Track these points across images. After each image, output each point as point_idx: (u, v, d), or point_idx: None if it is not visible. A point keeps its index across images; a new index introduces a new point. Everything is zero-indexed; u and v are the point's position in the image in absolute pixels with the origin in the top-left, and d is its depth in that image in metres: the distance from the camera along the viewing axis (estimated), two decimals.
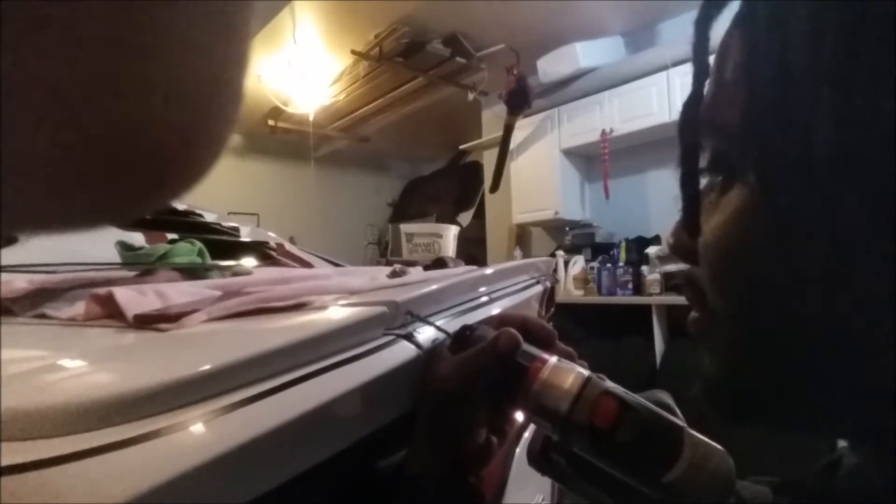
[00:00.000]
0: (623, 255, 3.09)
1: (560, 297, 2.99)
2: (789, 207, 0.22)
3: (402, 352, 0.38)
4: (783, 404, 0.26)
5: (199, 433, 0.24)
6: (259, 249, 1.10)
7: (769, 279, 0.24)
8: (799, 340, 0.24)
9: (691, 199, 0.27)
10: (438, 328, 0.40)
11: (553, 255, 3.41)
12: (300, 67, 3.49)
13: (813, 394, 0.25)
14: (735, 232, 0.25)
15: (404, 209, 5.88)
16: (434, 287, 0.47)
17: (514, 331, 0.34)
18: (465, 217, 4.91)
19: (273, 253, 1.10)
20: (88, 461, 0.20)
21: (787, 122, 0.22)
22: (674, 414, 0.34)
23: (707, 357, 0.29)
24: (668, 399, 0.36)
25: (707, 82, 0.26)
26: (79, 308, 0.45)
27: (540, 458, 0.37)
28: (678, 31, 3.14)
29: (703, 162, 0.27)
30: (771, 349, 0.25)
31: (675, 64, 2.88)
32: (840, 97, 0.20)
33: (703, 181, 0.28)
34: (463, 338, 0.37)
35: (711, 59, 0.26)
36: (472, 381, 0.34)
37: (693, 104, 0.26)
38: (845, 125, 0.20)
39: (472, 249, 4.22)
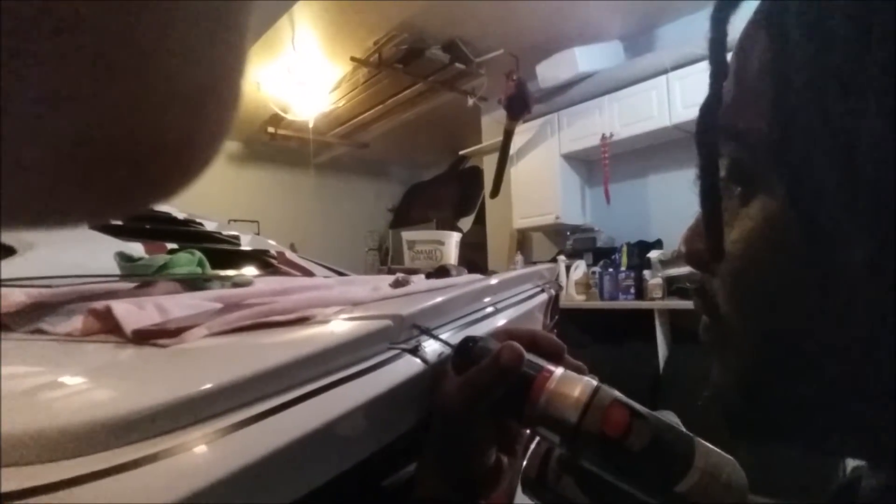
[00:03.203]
0: (625, 260, 3.08)
1: (562, 302, 2.98)
2: (827, 225, 0.21)
3: (408, 366, 0.37)
4: (802, 425, 0.25)
5: (202, 454, 0.23)
6: (260, 258, 1.09)
7: (796, 299, 0.23)
8: (824, 364, 0.23)
9: (714, 217, 0.25)
10: (444, 342, 0.39)
11: (554, 259, 3.40)
12: (299, 74, 3.50)
13: (833, 415, 0.24)
14: (759, 248, 0.24)
15: (405, 215, 5.88)
16: (439, 299, 0.46)
17: (516, 344, 0.33)
18: (466, 222, 4.91)
19: (274, 261, 1.09)
20: (89, 486, 0.20)
21: (826, 133, 0.20)
22: None
23: (719, 368, 0.28)
24: (675, 419, 0.35)
25: (725, 83, 0.25)
26: (76, 322, 0.44)
27: (536, 485, 0.36)
28: (677, 35, 3.15)
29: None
30: (791, 371, 0.24)
31: (675, 68, 2.88)
32: (890, 105, 0.18)
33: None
34: (465, 350, 0.36)
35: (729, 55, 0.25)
36: (478, 400, 0.33)
37: (711, 108, 0.24)
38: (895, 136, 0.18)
39: (473, 255, 4.21)
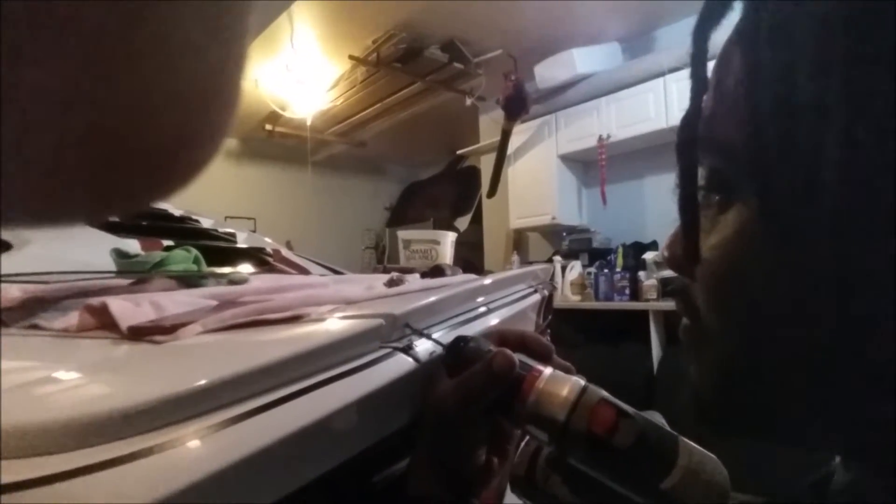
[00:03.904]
0: (620, 261, 3.09)
1: (557, 302, 2.99)
2: (794, 234, 0.22)
3: (399, 365, 0.37)
4: (774, 421, 0.26)
5: (195, 449, 0.24)
6: (256, 256, 1.09)
7: (769, 303, 0.24)
8: (796, 363, 0.24)
9: (691, 224, 0.26)
10: (436, 341, 0.39)
11: (550, 260, 3.41)
12: (298, 72, 3.50)
13: (806, 412, 0.25)
14: (735, 254, 0.25)
15: (402, 214, 5.89)
16: (432, 299, 0.47)
17: (508, 352, 0.34)
18: (463, 222, 4.92)
19: (270, 259, 1.10)
20: (84, 479, 0.20)
21: (793, 147, 0.21)
22: None
23: (696, 368, 0.29)
24: (660, 419, 0.36)
25: (706, 96, 0.26)
26: (72, 319, 0.44)
27: (525, 484, 0.37)
28: (675, 38, 3.16)
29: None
30: (766, 370, 0.25)
31: (672, 70, 2.89)
32: (847, 122, 0.20)
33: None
34: (457, 349, 0.37)
35: (710, 65, 0.26)
36: (471, 403, 0.34)
37: (691, 121, 0.25)
38: (853, 150, 0.20)
39: (470, 254, 4.22)
